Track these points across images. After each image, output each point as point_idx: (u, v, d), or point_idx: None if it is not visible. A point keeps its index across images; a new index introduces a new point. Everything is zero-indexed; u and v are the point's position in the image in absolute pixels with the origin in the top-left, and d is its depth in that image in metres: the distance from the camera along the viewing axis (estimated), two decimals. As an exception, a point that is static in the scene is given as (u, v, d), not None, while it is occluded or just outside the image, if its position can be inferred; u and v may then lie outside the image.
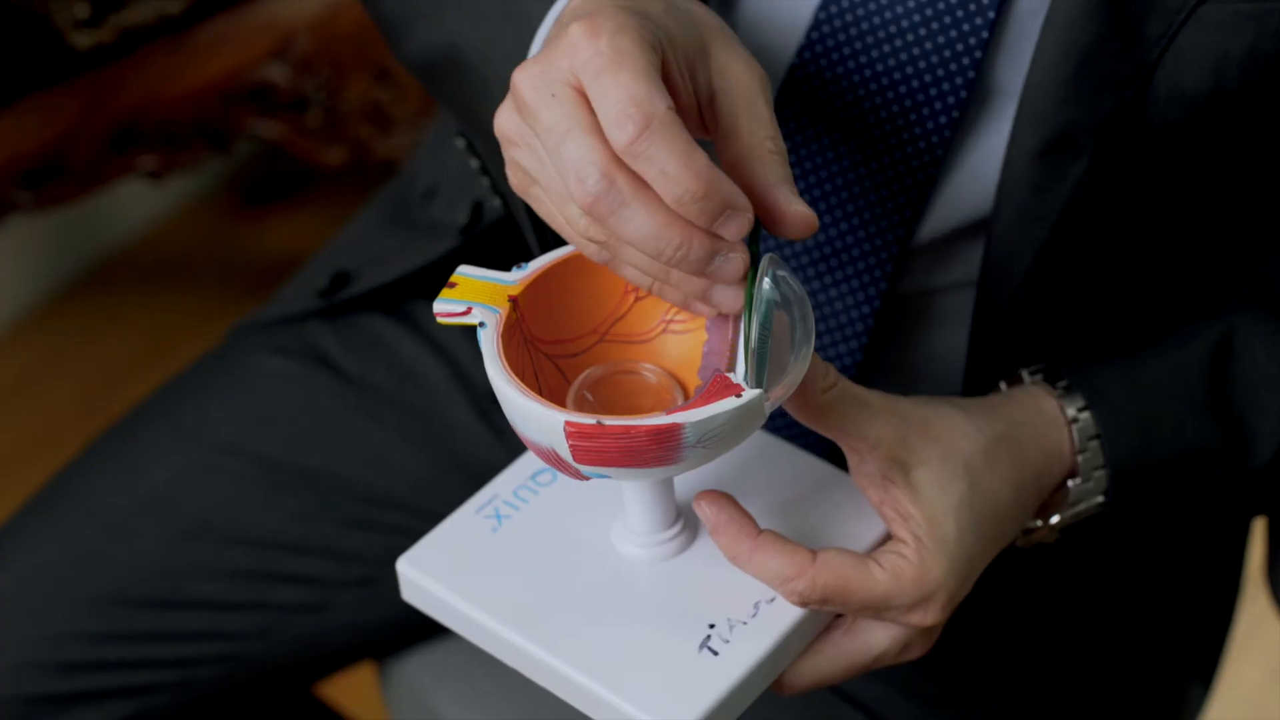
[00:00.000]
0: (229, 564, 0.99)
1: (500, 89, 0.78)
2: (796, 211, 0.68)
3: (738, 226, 0.65)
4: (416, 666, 1.05)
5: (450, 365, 1.03)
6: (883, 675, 0.94)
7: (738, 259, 0.66)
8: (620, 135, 0.64)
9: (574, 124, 0.65)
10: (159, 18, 1.61)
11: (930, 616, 0.73)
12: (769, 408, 0.67)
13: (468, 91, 0.84)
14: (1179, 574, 1.02)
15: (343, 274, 1.05)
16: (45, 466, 1.15)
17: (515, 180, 0.70)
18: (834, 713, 0.93)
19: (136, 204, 2.20)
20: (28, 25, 1.54)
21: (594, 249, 0.68)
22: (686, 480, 0.78)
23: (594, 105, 0.65)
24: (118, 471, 1.01)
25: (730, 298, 0.68)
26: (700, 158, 0.64)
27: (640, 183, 0.64)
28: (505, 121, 0.69)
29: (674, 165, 0.64)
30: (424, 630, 1.03)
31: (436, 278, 0.83)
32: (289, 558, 0.99)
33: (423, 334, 1.04)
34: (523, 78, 0.67)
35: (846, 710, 0.93)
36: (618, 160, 0.64)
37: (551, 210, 0.69)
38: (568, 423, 0.65)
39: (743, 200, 0.65)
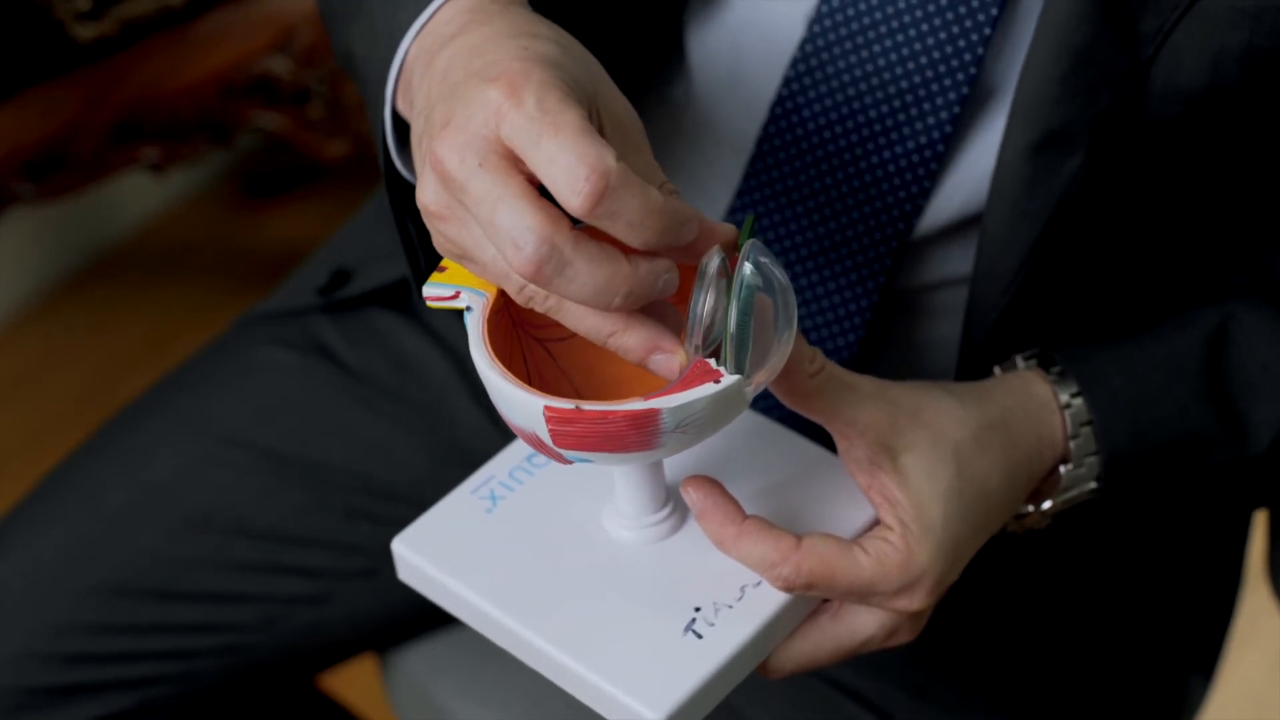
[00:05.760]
0: (231, 556, 0.99)
1: (372, 103, 0.78)
2: (726, 226, 0.69)
3: (690, 232, 0.65)
4: (418, 658, 1.05)
5: (452, 357, 1.03)
6: (878, 667, 0.94)
7: (675, 277, 0.66)
8: (579, 201, 0.62)
9: (504, 192, 0.63)
10: (160, 10, 1.62)
11: (916, 602, 0.74)
12: (750, 393, 0.68)
13: (364, 99, 0.83)
14: (1180, 566, 1.02)
15: (342, 271, 1.05)
16: (47, 458, 1.15)
17: (444, 252, 0.69)
18: (829, 704, 0.94)
19: (138, 196, 2.21)
20: (30, 17, 1.54)
21: (539, 307, 0.68)
22: (677, 463, 0.78)
23: (538, 172, 0.63)
24: (119, 463, 1.01)
25: (664, 367, 0.67)
26: (654, 194, 0.64)
27: (580, 239, 0.64)
28: (429, 195, 0.67)
29: (639, 214, 0.63)
30: (426, 622, 1.03)
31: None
32: (291, 549, 0.99)
33: (424, 326, 1.04)
34: (444, 149, 0.65)
35: (842, 702, 0.94)
36: (554, 222, 0.63)
37: (488, 278, 0.68)
38: (546, 407, 0.66)
39: (687, 211, 0.65)
